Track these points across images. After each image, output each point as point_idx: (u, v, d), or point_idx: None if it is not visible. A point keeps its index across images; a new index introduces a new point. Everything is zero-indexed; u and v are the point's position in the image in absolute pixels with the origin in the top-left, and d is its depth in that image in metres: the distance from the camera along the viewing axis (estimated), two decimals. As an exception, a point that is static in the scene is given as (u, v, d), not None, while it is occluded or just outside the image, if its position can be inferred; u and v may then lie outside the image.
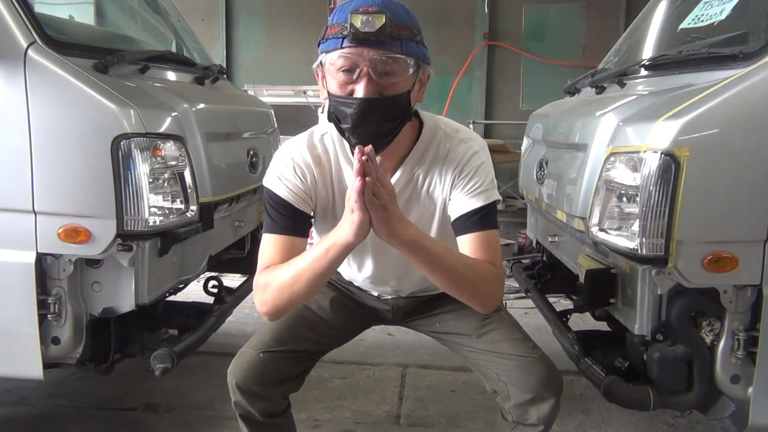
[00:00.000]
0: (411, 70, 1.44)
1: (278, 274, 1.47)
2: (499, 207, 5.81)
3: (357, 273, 1.75)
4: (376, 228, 1.35)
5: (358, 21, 1.36)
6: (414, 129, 1.59)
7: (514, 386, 1.57)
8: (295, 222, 1.55)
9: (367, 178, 1.26)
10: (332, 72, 1.44)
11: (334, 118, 1.48)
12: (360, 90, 1.40)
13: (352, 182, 1.29)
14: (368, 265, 1.71)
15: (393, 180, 1.57)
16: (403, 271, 1.66)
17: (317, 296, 1.74)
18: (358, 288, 1.84)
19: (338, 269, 1.66)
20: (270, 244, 1.54)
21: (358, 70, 1.40)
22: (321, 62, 1.46)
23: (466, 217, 1.53)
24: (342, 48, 1.39)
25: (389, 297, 1.83)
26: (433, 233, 1.62)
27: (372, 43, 1.38)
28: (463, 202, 1.54)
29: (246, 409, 1.65)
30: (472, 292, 1.49)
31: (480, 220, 1.52)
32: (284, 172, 1.57)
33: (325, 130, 1.62)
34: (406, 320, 1.88)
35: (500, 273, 1.51)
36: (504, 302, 1.83)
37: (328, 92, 1.47)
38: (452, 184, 1.56)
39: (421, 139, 1.59)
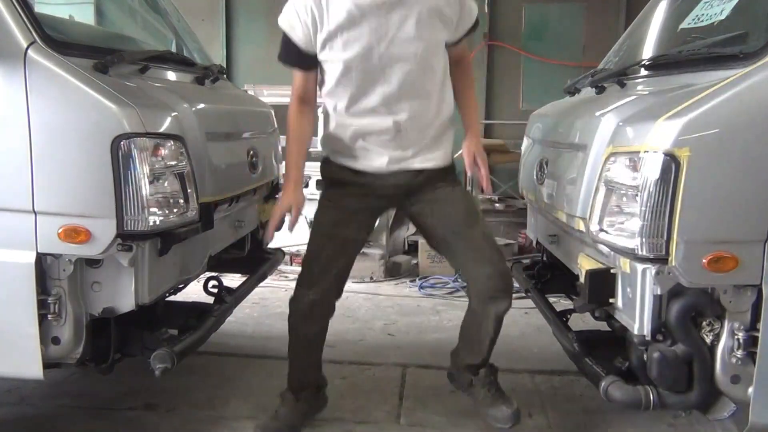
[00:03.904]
0: None
1: (286, 132, 2.25)
2: (499, 207, 5.82)
3: (373, 97, 2.07)
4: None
5: None
6: None
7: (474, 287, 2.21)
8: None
9: None
10: None
11: None
12: None
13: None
14: (380, 89, 2.06)
15: None
16: (414, 93, 2.09)
17: (336, 212, 2.20)
18: (372, 174, 2.17)
19: (352, 110, 2.11)
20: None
21: None
22: None
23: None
24: None
25: (395, 167, 2.14)
26: (438, 33, 2.09)
27: None
28: (462, 25, 2.18)
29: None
30: None
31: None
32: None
33: None
34: (407, 202, 2.24)
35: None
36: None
37: None
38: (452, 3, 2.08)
39: None
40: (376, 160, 2.15)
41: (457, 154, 2.25)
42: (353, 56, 2.02)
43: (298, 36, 2.03)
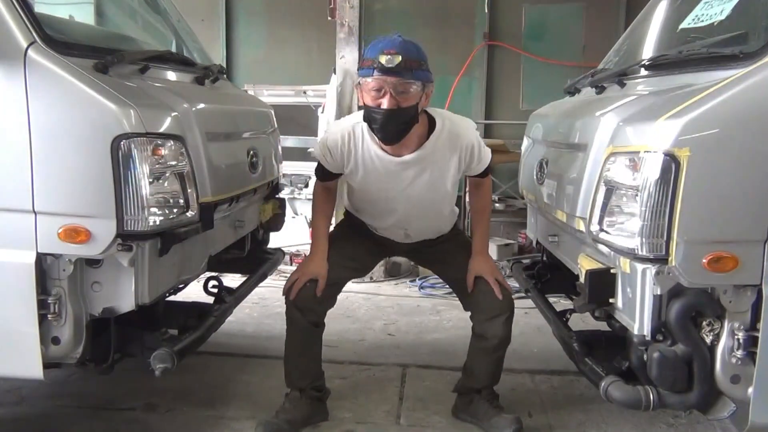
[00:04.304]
0: (418, 89, 2.16)
1: (312, 207, 2.57)
2: (499, 207, 5.84)
3: (385, 218, 2.46)
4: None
5: (383, 59, 2.09)
6: (424, 123, 2.30)
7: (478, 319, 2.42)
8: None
9: None
10: (367, 90, 2.16)
11: (367, 120, 2.23)
12: (385, 103, 2.13)
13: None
14: (389, 217, 2.44)
15: (413, 156, 2.30)
16: (422, 218, 2.47)
17: (346, 241, 2.52)
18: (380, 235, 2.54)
19: (364, 220, 2.52)
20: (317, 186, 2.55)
21: (383, 90, 2.12)
22: (359, 82, 2.20)
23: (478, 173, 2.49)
24: (373, 76, 2.12)
25: (402, 242, 2.54)
26: (449, 180, 2.39)
27: (392, 73, 2.10)
28: (476, 169, 2.44)
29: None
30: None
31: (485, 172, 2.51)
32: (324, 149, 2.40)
33: (357, 120, 2.33)
34: (413, 257, 2.76)
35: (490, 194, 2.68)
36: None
37: (364, 103, 2.20)
38: (464, 158, 2.36)
39: (434, 133, 2.30)
40: (389, 236, 2.53)
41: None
42: (369, 191, 2.42)
43: (328, 164, 2.42)
